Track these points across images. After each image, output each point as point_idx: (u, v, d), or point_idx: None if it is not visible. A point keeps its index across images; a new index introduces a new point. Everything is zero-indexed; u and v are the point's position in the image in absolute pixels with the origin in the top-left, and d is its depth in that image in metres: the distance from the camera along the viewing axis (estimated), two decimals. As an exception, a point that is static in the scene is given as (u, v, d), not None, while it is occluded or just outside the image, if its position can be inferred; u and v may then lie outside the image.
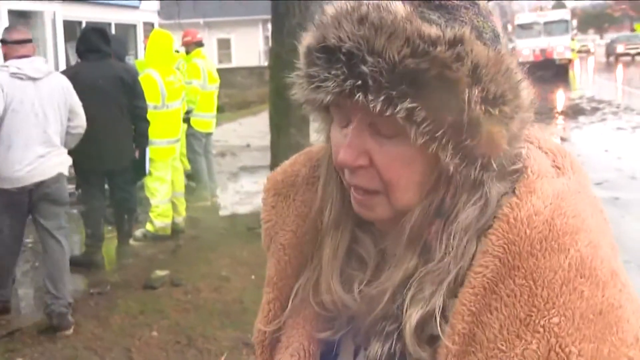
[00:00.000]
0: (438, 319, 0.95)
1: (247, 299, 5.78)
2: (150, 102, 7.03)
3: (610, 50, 52.91)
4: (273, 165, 8.26)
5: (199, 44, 9.41)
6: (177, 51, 9.19)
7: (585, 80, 33.67)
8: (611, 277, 0.91)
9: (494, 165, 0.95)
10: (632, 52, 49.60)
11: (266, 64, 38.68)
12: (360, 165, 0.98)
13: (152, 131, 7.06)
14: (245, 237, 7.55)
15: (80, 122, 5.49)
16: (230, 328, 5.25)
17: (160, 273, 6.34)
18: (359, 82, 0.90)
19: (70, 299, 5.32)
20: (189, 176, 9.09)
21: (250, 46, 34.87)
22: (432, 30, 0.90)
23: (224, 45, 35.61)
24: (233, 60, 34.74)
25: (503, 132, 0.94)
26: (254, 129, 18.01)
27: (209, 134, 9.42)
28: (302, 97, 1.01)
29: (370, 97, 0.90)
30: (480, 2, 1.00)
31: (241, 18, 33.56)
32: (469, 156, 0.93)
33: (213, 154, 10.01)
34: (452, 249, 0.96)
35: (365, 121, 0.96)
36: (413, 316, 0.97)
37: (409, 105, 0.89)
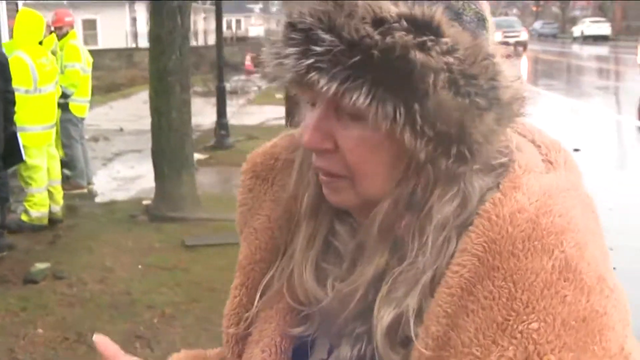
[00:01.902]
0: (412, 321, 0.90)
1: (136, 289, 5.63)
2: (21, 86, 6.70)
3: None
4: (155, 149, 8.11)
5: (72, 26, 9.02)
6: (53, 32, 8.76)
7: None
8: (597, 281, 0.85)
9: (470, 157, 0.89)
10: (511, 40, 41.68)
11: (134, 45, 37.92)
12: (326, 148, 0.93)
13: (25, 117, 6.72)
14: (127, 225, 7.36)
15: None
16: (120, 321, 5.07)
17: (40, 266, 6.04)
18: (312, 61, 0.85)
19: None
20: (64, 163, 8.70)
21: (117, 27, 33.89)
22: (398, 9, 0.85)
23: (90, 26, 34.46)
24: (99, 42, 33.67)
25: (476, 123, 0.87)
26: (126, 112, 17.55)
27: (83, 119, 9.07)
28: (271, 74, 0.94)
29: (323, 80, 0.85)
30: None
31: (107, -2, 32.56)
32: (439, 145, 0.87)
33: (86, 139, 9.65)
34: (428, 246, 0.91)
35: (331, 103, 0.90)
36: (385, 317, 0.91)
37: (368, 89, 0.84)
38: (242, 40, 52.32)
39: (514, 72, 0.93)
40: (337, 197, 0.97)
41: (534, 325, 0.82)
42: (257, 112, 17.63)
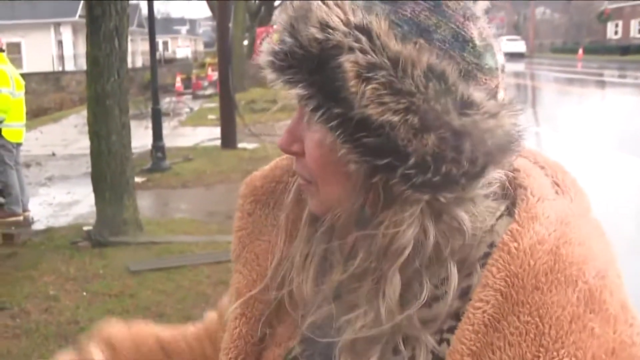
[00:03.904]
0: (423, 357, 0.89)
1: (83, 317, 5.47)
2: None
3: None
4: (95, 174, 7.94)
5: (1, 49, 8.79)
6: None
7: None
8: (621, 310, 0.83)
9: (418, 180, 0.84)
10: None
11: (60, 68, 37.13)
12: (294, 151, 0.95)
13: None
14: (69, 252, 7.15)
15: None
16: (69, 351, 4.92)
17: (-20, 298, 5.82)
18: (271, 59, 0.89)
19: None
20: (-2, 190, 8.47)
21: (43, 50, 33.15)
22: (337, 18, 0.84)
23: (14, 50, 33.55)
24: (24, 66, 32.87)
25: (413, 144, 0.83)
26: (57, 136, 17.18)
27: (19, 145, 8.81)
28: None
29: (273, 76, 0.89)
30: (456, 2, 0.88)
31: (32, 21, 31.90)
32: (368, 158, 0.85)
33: (21, 165, 9.40)
34: (372, 270, 0.90)
35: (303, 107, 0.91)
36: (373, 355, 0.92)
37: (305, 89, 0.86)
38: (170, 61, 51.91)
39: (492, 102, 0.87)
40: (311, 202, 0.98)
41: None
42: (190, 133, 17.48)
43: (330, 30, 0.83)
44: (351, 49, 0.82)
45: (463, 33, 0.87)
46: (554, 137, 14.63)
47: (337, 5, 0.85)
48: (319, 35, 0.84)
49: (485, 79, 0.88)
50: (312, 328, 1.00)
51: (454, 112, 0.83)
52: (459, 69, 0.85)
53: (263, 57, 0.91)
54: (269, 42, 0.91)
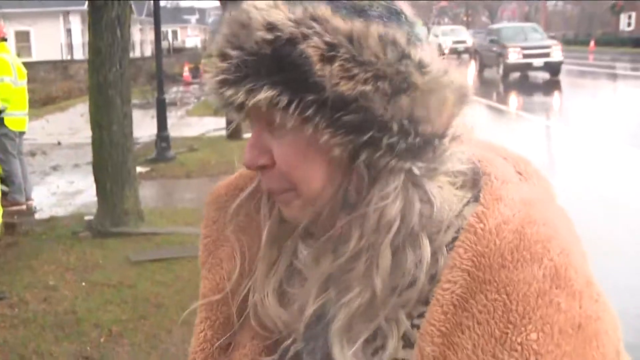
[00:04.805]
0: (392, 342, 0.91)
1: (81, 308, 5.47)
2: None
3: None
4: (97, 164, 7.93)
5: (3, 38, 8.76)
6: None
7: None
8: (586, 286, 0.85)
9: (398, 146, 0.87)
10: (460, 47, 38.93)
11: (69, 57, 37.23)
12: (263, 165, 0.95)
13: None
14: (70, 242, 7.16)
15: None
16: (66, 341, 4.92)
17: (-21, 287, 5.81)
18: (221, 78, 0.90)
19: None
20: (1, 179, 8.45)
21: (51, 39, 33.25)
22: (280, 15, 0.87)
23: (23, 38, 33.75)
24: (33, 54, 32.99)
25: (388, 109, 0.87)
26: (63, 125, 17.20)
27: (22, 133, 8.81)
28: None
29: (231, 91, 0.89)
30: None
31: (41, 10, 32.00)
32: (349, 137, 0.87)
33: (24, 154, 9.39)
34: (366, 248, 0.91)
35: (262, 119, 0.93)
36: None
37: (268, 90, 0.86)
38: (179, 51, 51.97)
39: (438, 62, 0.92)
40: (290, 210, 0.98)
41: (533, 335, 0.81)
42: (196, 123, 17.48)
43: (278, 28, 0.86)
44: (306, 36, 0.85)
45: (394, 7, 0.92)
46: (565, 131, 14.54)
47: (275, 6, 0.88)
48: (269, 36, 0.86)
49: (422, 47, 0.92)
50: (308, 322, 1.00)
51: (416, 72, 0.88)
52: (405, 36, 0.90)
53: (211, 82, 0.92)
54: (208, 69, 0.93)
